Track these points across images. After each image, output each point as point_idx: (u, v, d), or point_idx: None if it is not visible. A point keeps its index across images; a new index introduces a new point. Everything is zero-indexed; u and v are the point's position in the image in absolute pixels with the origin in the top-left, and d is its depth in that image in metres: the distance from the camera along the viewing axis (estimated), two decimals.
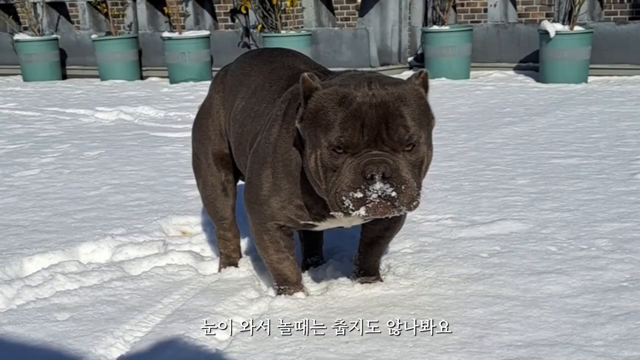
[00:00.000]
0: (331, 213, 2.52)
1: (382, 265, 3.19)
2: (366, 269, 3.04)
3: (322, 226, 2.76)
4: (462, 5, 15.54)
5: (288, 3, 9.97)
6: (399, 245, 3.43)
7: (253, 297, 3.00)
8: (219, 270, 3.30)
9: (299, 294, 2.92)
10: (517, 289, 2.89)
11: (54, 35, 11.93)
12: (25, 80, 11.61)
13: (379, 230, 2.92)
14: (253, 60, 3.09)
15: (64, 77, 11.98)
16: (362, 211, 2.33)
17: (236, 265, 3.28)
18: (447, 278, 3.04)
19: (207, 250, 3.59)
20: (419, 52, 10.31)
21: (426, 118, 2.42)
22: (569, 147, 5.28)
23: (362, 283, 3.01)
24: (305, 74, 2.40)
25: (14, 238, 3.77)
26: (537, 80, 8.93)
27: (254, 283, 3.13)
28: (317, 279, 3.13)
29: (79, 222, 4.01)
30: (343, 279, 3.07)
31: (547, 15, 12.45)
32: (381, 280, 3.04)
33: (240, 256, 3.34)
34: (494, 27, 9.92)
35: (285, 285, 2.92)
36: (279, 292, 2.93)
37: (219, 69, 3.30)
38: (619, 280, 2.93)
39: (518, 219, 3.70)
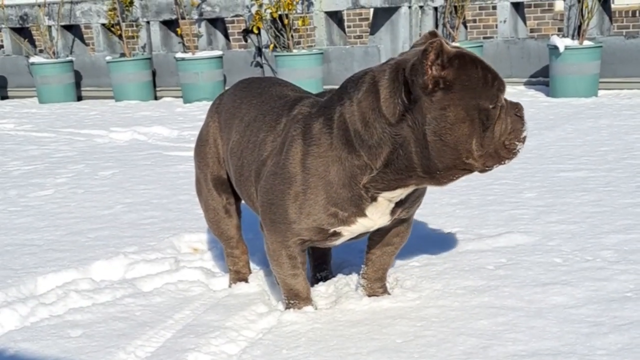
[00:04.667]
0: (365, 212, 2.67)
1: (390, 279, 3.23)
2: (373, 282, 3.10)
3: (348, 233, 2.80)
4: (474, 21, 15.65)
5: (300, 22, 10.07)
6: (406, 259, 3.48)
7: (262, 312, 3.05)
8: (229, 286, 3.37)
9: (308, 308, 2.97)
10: (522, 300, 2.93)
11: (69, 58, 12.09)
12: (40, 102, 11.76)
13: (388, 238, 2.99)
14: (243, 92, 3.19)
15: (79, 98, 12.12)
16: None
17: (246, 281, 3.34)
18: (454, 290, 3.08)
19: (218, 267, 3.65)
20: None
21: None
22: (577, 160, 5.31)
23: (369, 296, 3.07)
24: (438, 40, 2.43)
25: (29, 257, 3.84)
26: (548, 94, 8.96)
27: (263, 298, 3.18)
28: (326, 293, 3.18)
29: (92, 240, 4.08)
30: (351, 293, 3.12)
31: (559, 30, 12.52)
32: (389, 293, 3.10)
33: (250, 272, 3.40)
34: (504, 43, 9.96)
35: (295, 300, 2.97)
36: (288, 307, 2.99)
37: None
38: (623, 290, 2.96)
39: (524, 232, 3.74)
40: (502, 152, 2.54)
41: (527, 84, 9.79)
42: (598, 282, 3.05)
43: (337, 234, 2.79)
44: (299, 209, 2.71)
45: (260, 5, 10.15)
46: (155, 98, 11.47)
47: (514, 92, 9.39)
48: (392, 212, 2.77)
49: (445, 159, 2.49)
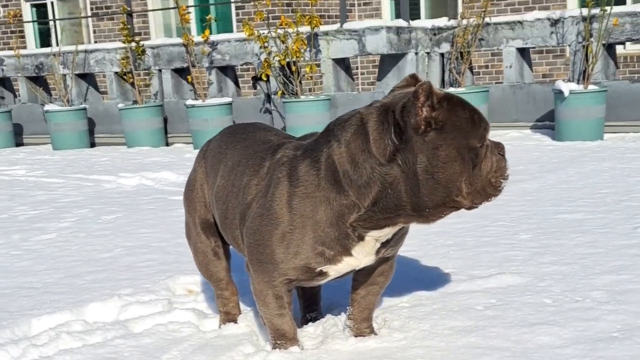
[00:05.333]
0: (351, 251, 2.70)
1: (379, 319, 3.25)
2: (360, 322, 3.11)
3: (334, 272, 2.82)
4: (487, 67, 15.76)
5: (307, 70, 10.19)
6: (396, 299, 3.49)
7: (249, 352, 3.06)
8: (219, 326, 3.39)
9: (294, 348, 2.98)
10: (509, 340, 2.93)
11: (83, 105, 12.27)
12: (54, 148, 11.92)
13: (373, 278, 3.02)
14: (228, 138, 3.26)
15: (93, 145, 12.28)
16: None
17: (235, 322, 3.36)
18: (441, 330, 3.09)
19: (211, 308, 3.66)
20: None
21: None
22: (575, 203, 5.31)
23: (356, 336, 3.09)
24: (428, 82, 2.50)
25: (26, 299, 3.89)
26: (554, 138, 8.99)
27: (251, 338, 3.20)
28: (314, 334, 3.19)
29: (89, 283, 4.12)
30: (338, 333, 3.13)
31: None
32: (375, 334, 3.11)
33: (240, 312, 3.43)
34: (510, 88, 10.04)
35: (282, 340, 2.99)
36: (274, 347, 3.00)
37: None
38: (610, 330, 2.95)
39: (516, 273, 3.74)
40: (488, 189, 2.62)
41: (533, 127, 9.83)
42: (586, 323, 3.04)
43: (323, 274, 2.82)
44: (285, 249, 2.74)
45: (269, 53, 10.28)
46: (167, 144, 11.60)
47: (519, 135, 9.44)
48: (378, 251, 2.80)
49: (436, 197, 2.55)
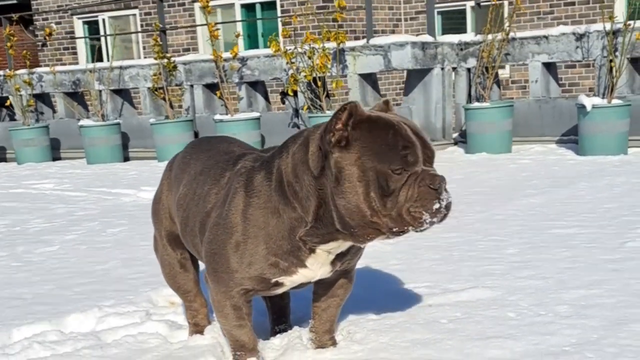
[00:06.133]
0: (305, 263, 2.73)
1: (344, 331, 3.27)
2: (322, 334, 3.15)
3: (290, 283, 2.86)
4: (536, 82, 15.61)
5: (334, 85, 10.25)
6: (364, 312, 3.50)
7: None
8: (188, 338, 3.44)
9: (253, 359, 3.02)
10: (461, 353, 2.94)
11: (116, 120, 12.50)
12: (88, 163, 12.15)
13: (332, 290, 3.05)
14: (192, 149, 3.34)
15: (127, 159, 12.50)
16: (435, 221, 2.50)
17: (202, 333, 3.41)
18: (399, 343, 3.10)
19: None
20: (463, 128, 10.40)
21: None
22: (574, 218, 5.25)
23: (315, 348, 3.12)
24: (354, 102, 2.52)
25: (12, 310, 3.99)
26: (577, 153, 8.89)
27: (215, 350, 3.24)
28: (278, 345, 3.23)
29: (76, 294, 4.21)
30: (299, 345, 3.16)
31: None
32: (334, 345, 3.14)
33: (209, 323, 3.47)
34: (536, 102, 9.97)
35: (241, 351, 3.02)
36: (234, 358, 3.04)
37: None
38: (563, 344, 2.94)
39: (490, 287, 3.72)
40: (406, 218, 2.50)
41: (558, 142, 9.74)
42: (541, 336, 3.03)
43: (279, 284, 2.86)
44: (240, 259, 2.79)
45: (297, 69, 10.36)
46: None
47: (543, 150, 9.36)
48: (333, 263, 2.83)
49: (353, 216, 2.54)
